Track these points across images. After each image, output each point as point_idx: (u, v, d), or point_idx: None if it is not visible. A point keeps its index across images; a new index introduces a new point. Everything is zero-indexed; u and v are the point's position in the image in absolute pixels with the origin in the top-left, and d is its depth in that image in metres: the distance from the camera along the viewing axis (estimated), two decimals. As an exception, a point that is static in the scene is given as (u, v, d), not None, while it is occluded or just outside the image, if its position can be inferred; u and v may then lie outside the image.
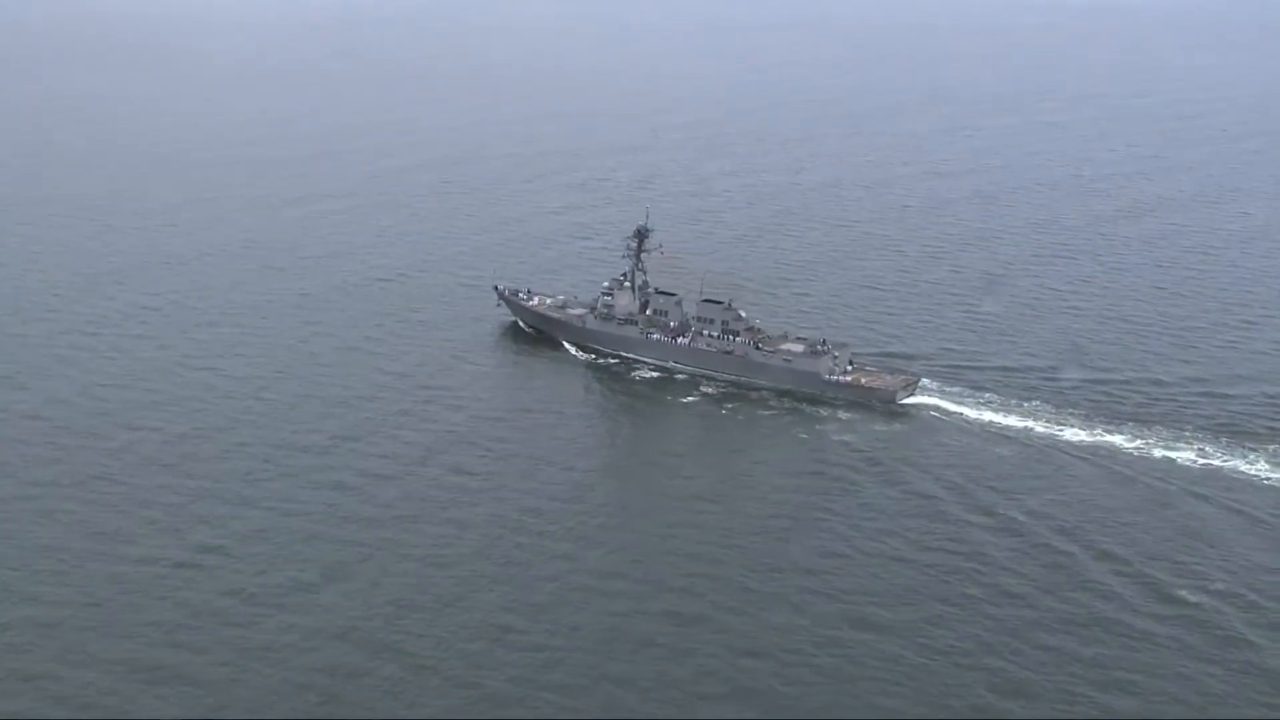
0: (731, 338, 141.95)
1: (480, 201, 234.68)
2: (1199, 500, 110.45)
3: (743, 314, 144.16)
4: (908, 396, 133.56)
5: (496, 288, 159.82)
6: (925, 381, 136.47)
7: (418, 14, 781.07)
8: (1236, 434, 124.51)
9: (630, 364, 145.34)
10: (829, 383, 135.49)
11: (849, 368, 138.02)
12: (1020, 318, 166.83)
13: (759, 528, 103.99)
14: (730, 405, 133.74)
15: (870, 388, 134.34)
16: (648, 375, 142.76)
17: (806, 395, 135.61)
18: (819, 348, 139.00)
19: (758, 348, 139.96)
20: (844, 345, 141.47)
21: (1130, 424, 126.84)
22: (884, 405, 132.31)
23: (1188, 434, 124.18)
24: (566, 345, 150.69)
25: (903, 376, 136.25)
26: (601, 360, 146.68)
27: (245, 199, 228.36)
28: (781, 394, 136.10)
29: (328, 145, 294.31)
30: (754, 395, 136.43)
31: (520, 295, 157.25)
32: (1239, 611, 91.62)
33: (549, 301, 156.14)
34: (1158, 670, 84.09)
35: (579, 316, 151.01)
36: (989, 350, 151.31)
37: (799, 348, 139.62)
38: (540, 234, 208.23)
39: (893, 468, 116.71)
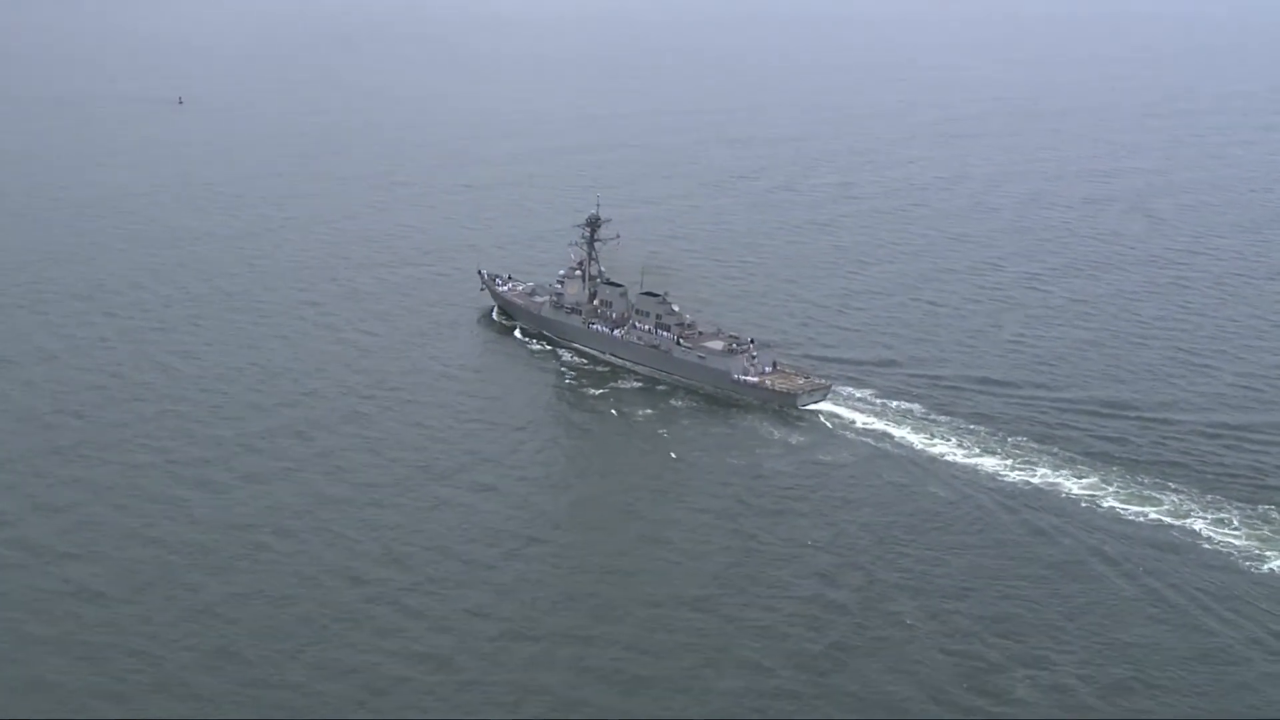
0: (662, 332, 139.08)
1: (620, 191, 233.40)
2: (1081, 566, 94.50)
3: (675, 308, 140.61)
4: (812, 402, 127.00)
5: (480, 272, 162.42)
6: (850, 389, 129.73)
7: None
8: (1233, 488, 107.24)
9: (573, 354, 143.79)
10: (736, 382, 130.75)
11: (767, 369, 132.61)
12: (1044, 336, 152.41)
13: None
14: (628, 402, 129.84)
15: (774, 390, 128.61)
16: (583, 366, 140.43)
17: (715, 394, 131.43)
18: (736, 346, 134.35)
19: (678, 343, 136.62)
20: (768, 346, 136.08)
21: (1116, 466, 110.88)
22: (785, 409, 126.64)
23: (1172, 486, 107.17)
24: (518, 333, 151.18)
25: (810, 381, 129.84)
26: (548, 350, 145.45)
27: (373, 179, 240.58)
28: (692, 392, 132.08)
29: (516, 128, 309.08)
30: (662, 390, 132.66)
31: (497, 280, 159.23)
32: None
33: (519, 288, 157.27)
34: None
35: (538, 304, 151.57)
36: (966, 360, 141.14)
37: (718, 345, 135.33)
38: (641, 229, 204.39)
39: (733, 484, 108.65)
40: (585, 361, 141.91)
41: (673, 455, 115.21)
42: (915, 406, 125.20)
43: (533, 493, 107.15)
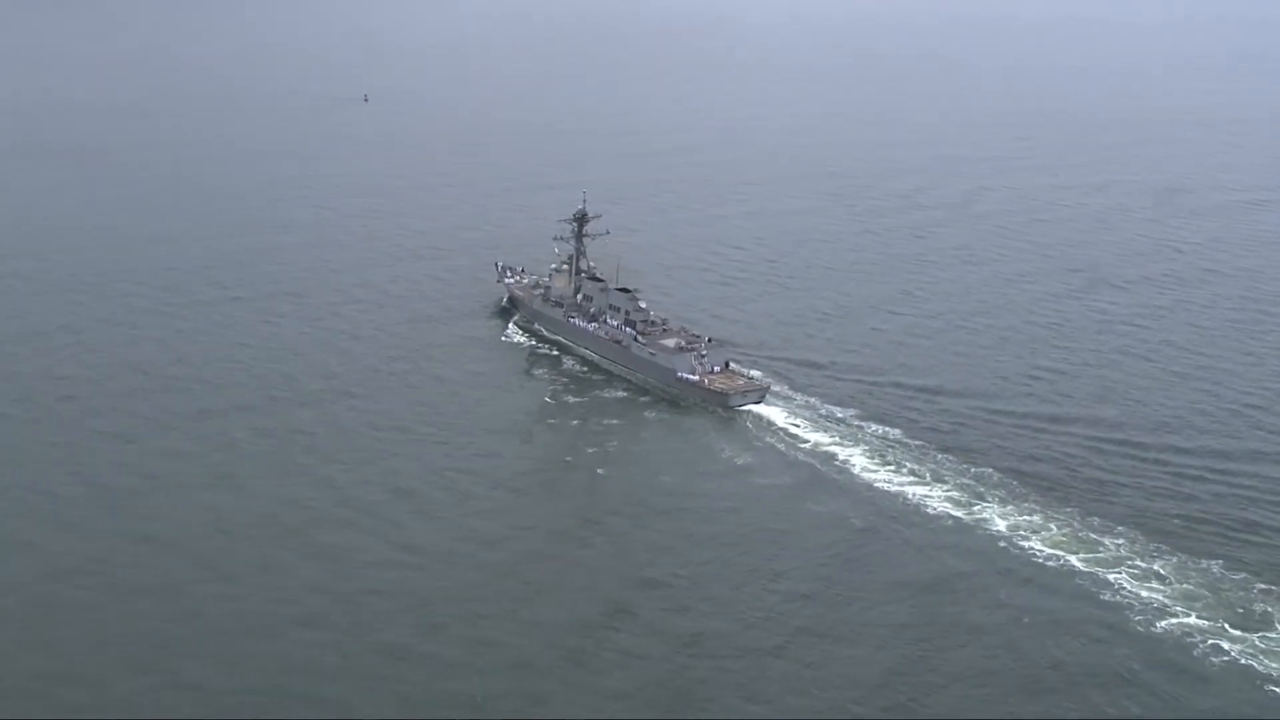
0: (627, 328, 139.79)
1: (723, 196, 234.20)
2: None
3: (642, 304, 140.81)
4: (745, 403, 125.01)
5: (496, 264, 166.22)
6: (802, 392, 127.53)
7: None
8: (1190, 536, 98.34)
9: (575, 358, 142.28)
10: (678, 380, 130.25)
11: (716, 369, 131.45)
12: (1069, 359, 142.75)
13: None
14: (597, 412, 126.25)
15: (710, 389, 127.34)
16: (577, 370, 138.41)
17: (658, 389, 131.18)
18: (685, 345, 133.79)
19: (636, 339, 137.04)
20: (722, 346, 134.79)
21: (1071, 506, 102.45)
22: (717, 408, 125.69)
23: (1120, 530, 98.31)
24: (511, 326, 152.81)
25: (747, 382, 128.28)
26: (547, 350, 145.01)
27: (487, 177, 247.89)
28: (673, 404, 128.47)
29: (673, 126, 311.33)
30: (644, 402, 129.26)
31: (508, 273, 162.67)
32: None
33: (524, 281, 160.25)
34: None
35: (533, 296, 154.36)
36: (973, 380, 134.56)
37: (671, 343, 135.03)
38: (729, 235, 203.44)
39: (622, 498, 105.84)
40: (585, 368, 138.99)
41: (600, 471, 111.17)
42: (894, 430, 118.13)
43: (406, 504, 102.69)
